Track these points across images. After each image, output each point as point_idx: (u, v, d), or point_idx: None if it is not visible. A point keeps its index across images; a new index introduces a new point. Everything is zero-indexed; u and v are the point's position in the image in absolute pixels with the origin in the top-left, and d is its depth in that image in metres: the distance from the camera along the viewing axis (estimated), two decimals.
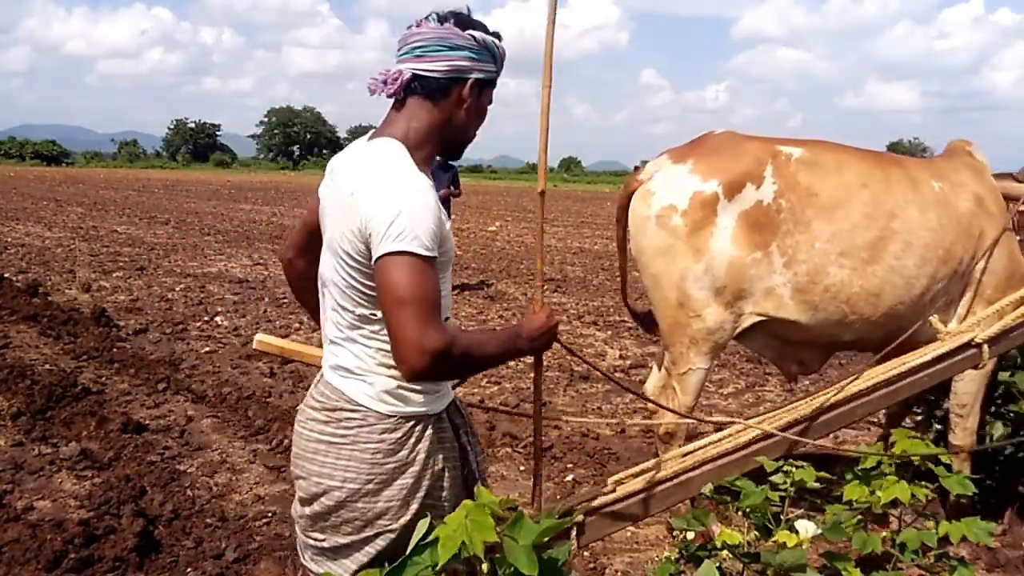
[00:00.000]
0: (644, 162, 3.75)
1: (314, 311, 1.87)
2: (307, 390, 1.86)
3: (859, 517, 2.24)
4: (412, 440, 1.68)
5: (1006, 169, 3.80)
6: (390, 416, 1.67)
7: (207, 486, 3.92)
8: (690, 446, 2.75)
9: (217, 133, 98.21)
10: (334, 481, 1.69)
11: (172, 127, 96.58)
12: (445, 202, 9.78)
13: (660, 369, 3.61)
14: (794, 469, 2.15)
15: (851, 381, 2.78)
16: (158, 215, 20.01)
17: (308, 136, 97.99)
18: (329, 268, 1.69)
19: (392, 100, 1.68)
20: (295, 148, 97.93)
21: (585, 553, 3.33)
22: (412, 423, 1.68)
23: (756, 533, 2.03)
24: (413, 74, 1.63)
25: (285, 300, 8.92)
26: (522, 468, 4.33)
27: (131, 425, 4.55)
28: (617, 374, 6.31)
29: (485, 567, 1.36)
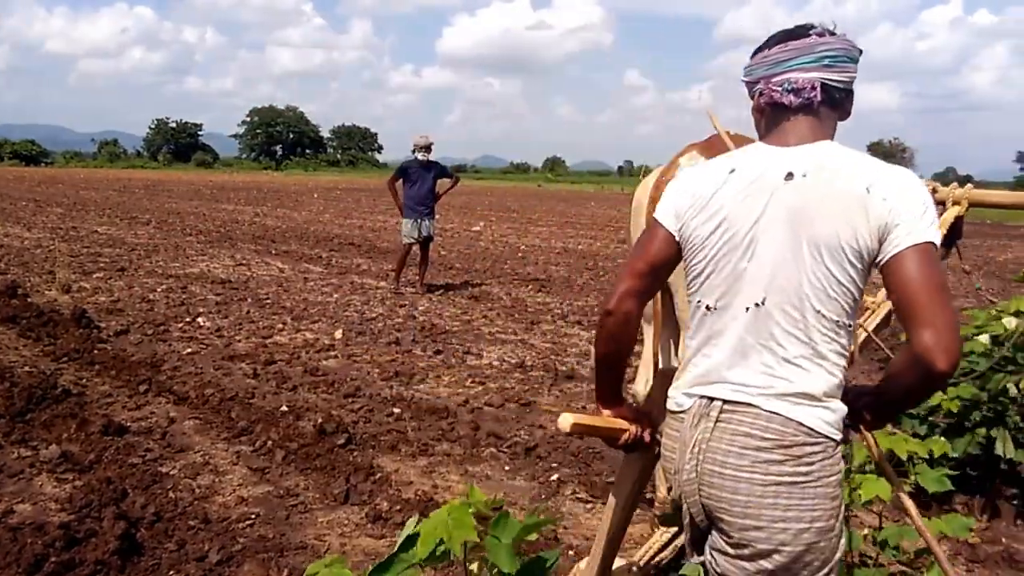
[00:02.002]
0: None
1: (627, 355, 1.81)
2: (290, 391, 1.83)
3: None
4: (843, 464, 1.63)
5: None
6: (837, 443, 1.60)
7: (189, 488, 3.89)
8: None
9: (199, 133, 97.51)
10: (801, 523, 1.56)
11: (153, 127, 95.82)
12: (434, 200, 9.77)
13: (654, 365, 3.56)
14: None
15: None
16: (139, 215, 19.85)
17: (291, 136, 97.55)
18: (789, 277, 1.56)
19: (773, 109, 1.66)
20: (278, 148, 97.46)
21: (570, 552, 3.34)
22: (837, 446, 1.61)
23: None
24: (822, 84, 1.62)
25: (268, 300, 8.88)
26: (507, 468, 4.33)
27: (112, 427, 4.51)
28: None
29: (475, 567, 1.37)
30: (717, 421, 1.61)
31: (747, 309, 1.60)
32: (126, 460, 4.15)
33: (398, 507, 3.68)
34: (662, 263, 1.74)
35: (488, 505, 1.43)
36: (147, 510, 3.54)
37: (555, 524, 3.54)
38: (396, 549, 1.40)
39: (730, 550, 1.62)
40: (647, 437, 1.90)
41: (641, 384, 3.73)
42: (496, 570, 1.37)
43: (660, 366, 3.50)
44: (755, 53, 1.73)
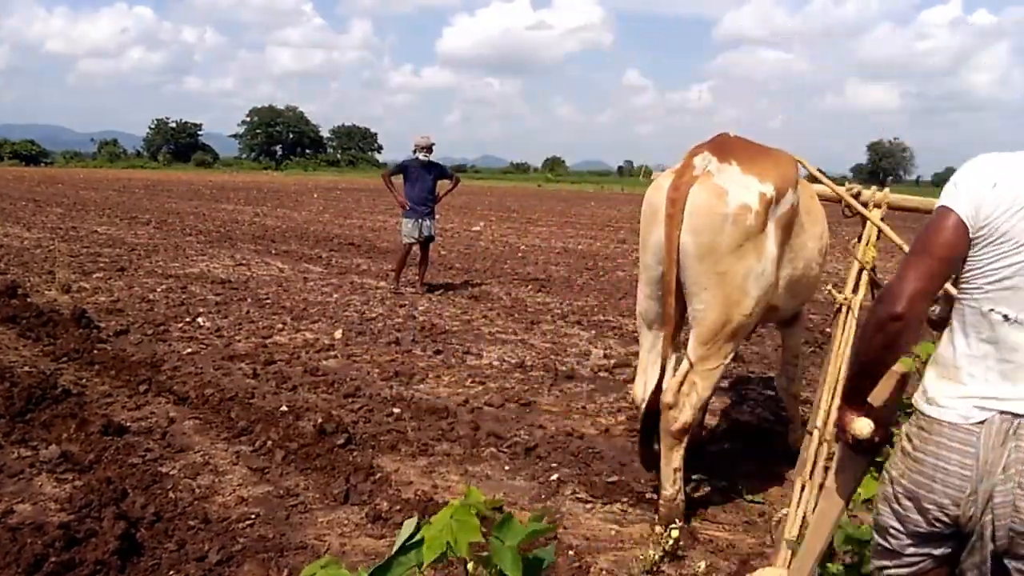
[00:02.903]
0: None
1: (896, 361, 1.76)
2: (290, 391, 1.84)
3: None
4: None
5: None
6: None
7: (189, 488, 3.89)
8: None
9: (199, 133, 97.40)
10: None
11: (153, 126, 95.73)
12: (434, 200, 9.76)
13: (673, 368, 3.55)
14: None
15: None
16: (139, 215, 19.84)
17: (291, 136, 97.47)
18: None
19: None
20: (278, 148, 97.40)
21: (570, 552, 3.33)
22: None
23: None
24: None
25: (267, 300, 8.87)
26: (507, 468, 4.33)
27: (112, 427, 4.51)
28: (602, 374, 6.33)
29: (471, 567, 1.37)
30: None
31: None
32: (126, 460, 4.14)
33: (398, 507, 3.68)
34: (955, 261, 1.64)
35: (488, 505, 1.43)
36: (147, 510, 3.54)
37: (556, 528, 3.54)
38: (395, 551, 1.39)
39: None
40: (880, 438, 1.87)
41: (640, 388, 3.70)
42: (494, 570, 1.37)
43: (666, 370, 3.50)
44: None
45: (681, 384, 3.44)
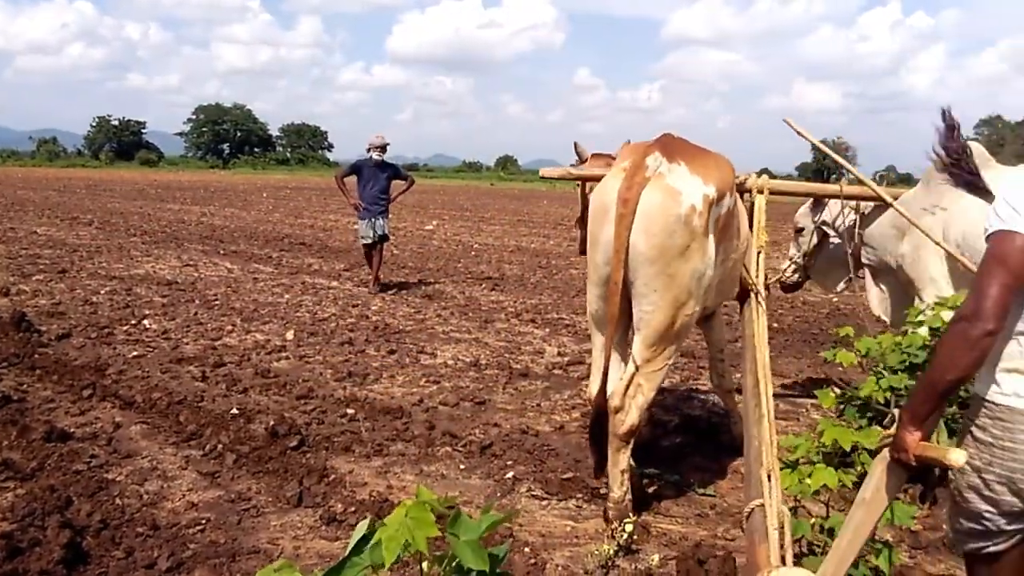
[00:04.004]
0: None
1: None
2: (240, 394, 1.82)
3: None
4: None
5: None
6: None
7: (137, 494, 3.81)
8: None
9: (142, 131, 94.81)
10: None
11: (95, 124, 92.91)
12: (388, 200, 9.68)
13: (620, 368, 3.54)
14: None
15: None
16: (80, 215, 19.29)
17: (239, 134, 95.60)
18: None
19: None
20: (225, 146, 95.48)
21: (526, 549, 3.35)
22: None
23: None
24: None
25: (216, 302, 8.72)
26: (462, 467, 4.33)
27: (55, 433, 4.39)
28: (556, 371, 6.37)
29: (426, 565, 1.37)
30: None
31: None
32: (70, 467, 4.04)
33: (352, 509, 3.65)
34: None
35: (442, 503, 1.43)
36: (93, 518, 3.45)
37: (512, 521, 3.56)
38: (348, 552, 1.39)
39: None
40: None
41: (596, 387, 3.69)
42: (448, 567, 1.38)
43: (610, 372, 3.51)
44: None
45: (627, 387, 3.44)
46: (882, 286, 4.88)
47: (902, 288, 4.67)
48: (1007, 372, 1.88)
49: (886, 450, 2.01)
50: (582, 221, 5.14)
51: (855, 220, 4.86)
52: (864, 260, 4.88)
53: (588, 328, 3.78)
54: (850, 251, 4.81)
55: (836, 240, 5.11)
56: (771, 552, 2.50)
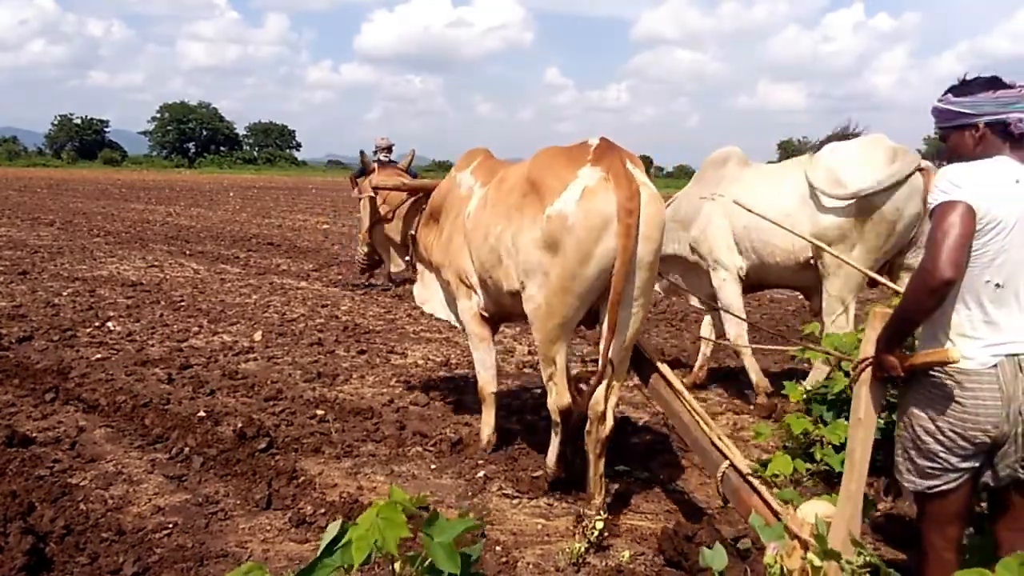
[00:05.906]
0: None
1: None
2: (207, 396, 1.79)
3: None
4: None
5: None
6: None
7: (102, 499, 3.74)
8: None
9: (105, 129, 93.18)
10: None
11: (56, 123, 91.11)
12: None
13: (574, 378, 3.72)
14: None
15: None
16: (42, 216, 18.91)
17: (204, 133, 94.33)
18: None
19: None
20: (191, 145, 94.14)
21: (497, 547, 3.35)
22: None
23: None
24: None
25: (182, 303, 8.60)
26: (433, 466, 4.32)
27: (17, 438, 4.30)
28: (526, 370, 6.38)
29: (398, 566, 1.36)
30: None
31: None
32: (32, 472, 3.96)
33: (323, 510, 3.63)
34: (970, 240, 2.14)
35: (414, 503, 1.43)
36: (56, 523, 3.39)
37: (484, 524, 3.56)
38: (319, 554, 1.38)
39: None
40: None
41: (566, 396, 3.75)
42: (421, 568, 1.37)
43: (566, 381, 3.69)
44: (973, 92, 2.22)
45: (607, 391, 3.51)
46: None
47: (693, 269, 5.63)
48: (959, 336, 2.21)
49: (864, 374, 2.33)
50: (372, 234, 5.21)
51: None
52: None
53: (541, 341, 3.63)
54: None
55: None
56: (766, 496, 2.71)
